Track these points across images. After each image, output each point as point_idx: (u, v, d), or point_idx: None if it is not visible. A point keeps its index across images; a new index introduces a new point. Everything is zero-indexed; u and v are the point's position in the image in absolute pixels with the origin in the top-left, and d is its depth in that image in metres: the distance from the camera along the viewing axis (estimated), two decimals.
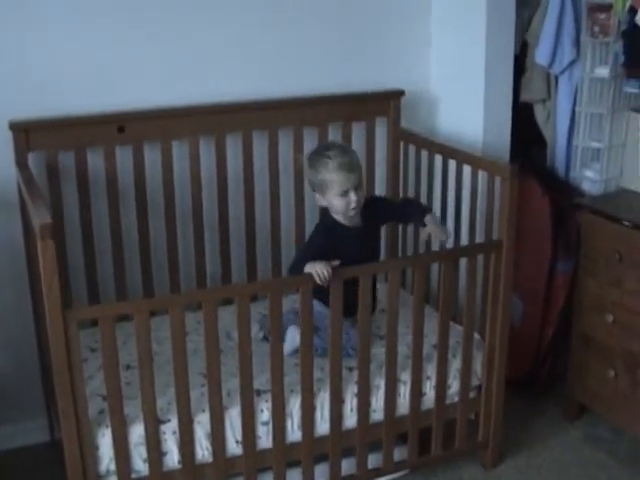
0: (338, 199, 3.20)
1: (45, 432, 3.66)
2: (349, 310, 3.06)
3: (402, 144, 3.90)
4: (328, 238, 3.23)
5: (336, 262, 2.94)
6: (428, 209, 3.39)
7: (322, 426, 3.17)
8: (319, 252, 3.01)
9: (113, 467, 2.90)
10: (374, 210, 3.36)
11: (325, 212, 3.32)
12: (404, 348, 3.28)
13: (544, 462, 3.66)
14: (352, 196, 3.17)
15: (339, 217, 3.27)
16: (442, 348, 3.27)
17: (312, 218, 3.83)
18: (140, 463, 2.95)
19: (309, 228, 3.82)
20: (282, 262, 3.84)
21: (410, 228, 3.92)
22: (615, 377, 3.61)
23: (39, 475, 3.55)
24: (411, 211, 3.39)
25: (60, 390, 2.71)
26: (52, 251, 2.55)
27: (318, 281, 2.91)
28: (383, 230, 3.93)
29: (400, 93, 3.85)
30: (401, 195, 3.95)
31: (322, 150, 3.27)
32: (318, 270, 2.90)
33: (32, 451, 3.68)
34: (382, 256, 3.85)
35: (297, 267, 3.03)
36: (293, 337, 3.22)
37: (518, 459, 3.67)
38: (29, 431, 3.71)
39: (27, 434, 3.70)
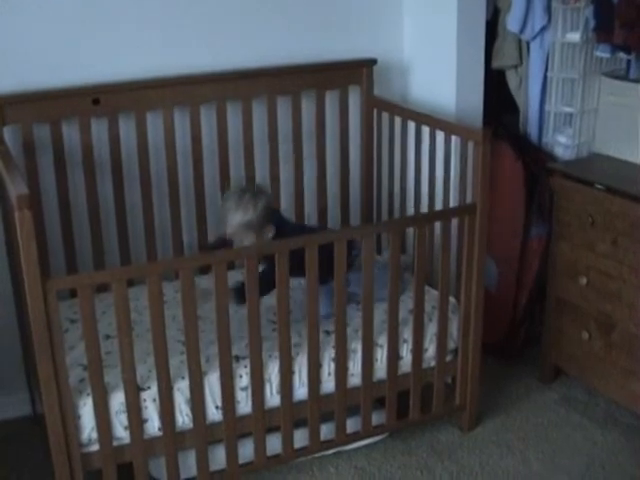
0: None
1: (27, 406, 3.68)
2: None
3: (375, 112, 3.91)
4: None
5: None
6: None
7: (300, 390, 3.20)
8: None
9: (95, 435, 2.93)
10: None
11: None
12: (381, 312, 3.32)
13: (520, 424, 3.71)
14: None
15: None
16: (418, 312, 3.31)
17: (286, 187, 3.87)
18: (121, 430, 2.97)
19: (284, 196, 3.86)
20: None
21: (384, 193, 3.96)
22: (589, 339, 3.66)
23: (21, 448, 3.57)
24: None
25: (41, 360, 2.73)
26: (30, 221, 2.56)
27: None
28: (357, 197, 3.98)
29: (372, 61, 3.86)
30: (375, 163, 3.98)
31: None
32: None
33: (13, 425, 3.70)
34: (357, 221, 3.90)
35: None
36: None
37: (495, 421, 3.73)
38: (10, 405, 3.72)
39: (8, 408, 3.72)
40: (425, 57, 3.94)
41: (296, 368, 3.17)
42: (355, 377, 3.29)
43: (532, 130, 4.09)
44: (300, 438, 3.30)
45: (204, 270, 3.49)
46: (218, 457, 3.18)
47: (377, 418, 3.45)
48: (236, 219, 3.19)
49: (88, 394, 2.90)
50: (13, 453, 3.55)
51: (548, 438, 3.62)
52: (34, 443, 3.49)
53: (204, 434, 3.08)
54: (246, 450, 3.21)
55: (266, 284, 3.05)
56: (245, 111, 3.70)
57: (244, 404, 3.12)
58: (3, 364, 3.63)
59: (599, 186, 3.51)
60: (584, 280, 3.61)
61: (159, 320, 2.86)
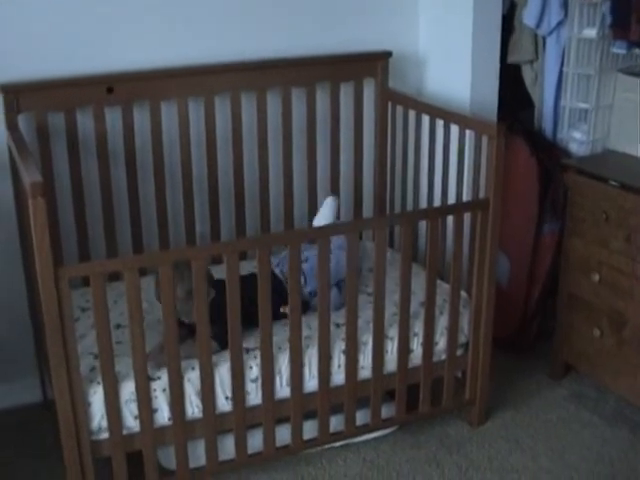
0: None
1: (37, 392, 3.69)
2: None
3: (390, 105, 3.90)
4: None
5: None
6: None
7: (310, 382, 3.21)
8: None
9: (105, 424, 2.94)
10: None
11: None
12: (391, 305, 3.31)
13: (529, 420, 3.71)
14: None
15: None
16: (429, 305, 3.31)
17: (299, 179, 3.86)
18: (131, 420, 2.98)
19: (296, 188, 3.86)
20: (270, 221, 3.87)
21: (397, 186, 3.96)
22: (601, 336, 3.65)
23: (32, 434, 3.59)
24: None
25: (52, 347, 2.74)
26: (43, 209, 2.57)
27: None
28: (370, 189, 3.97)
29: (388, 54, 3.85)
30: (389, 156, 3.98)
31: None
32: None
33: (24, 411, 3.71)
34: (370, 214, 3.90)
35: None
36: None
37: (504, 417, 3.72)
38: (21, 391, 3.73)
39: (19, 394, 3.73)
40: (440, 50, 3.93)
41: (306, 360, 3.17)
42: (365, 370, 3.29)
43: (547, 126, 4.08)
44: (309, 430, 3.30)
45: (216, 260, 3.49)
46: (227, 447, 3.19)
47: (387, 411, 3.45)
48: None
49: (99, 382, 2.91)
50: (23, 439, 3.57)
51: (557, 434, 3.61)
52: (44, 429, 3.50)
53: (214, 424, 3.08)
54: (255, 440, 3.21)
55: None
56: (259, 102, 3.70)
57: (254, 395, 3.12)
58: (15, 351, 3.64)
59: (613, 182, 3.50)
60: (596, 276, 3.60)
61: (171, 309, 2.86)
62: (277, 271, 3.35)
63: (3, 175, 3.40)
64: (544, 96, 4.08)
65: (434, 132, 3.64)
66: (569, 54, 3.87)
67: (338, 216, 3.70)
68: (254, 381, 3.10)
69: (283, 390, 3.17)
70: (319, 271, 3.05)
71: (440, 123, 3.59)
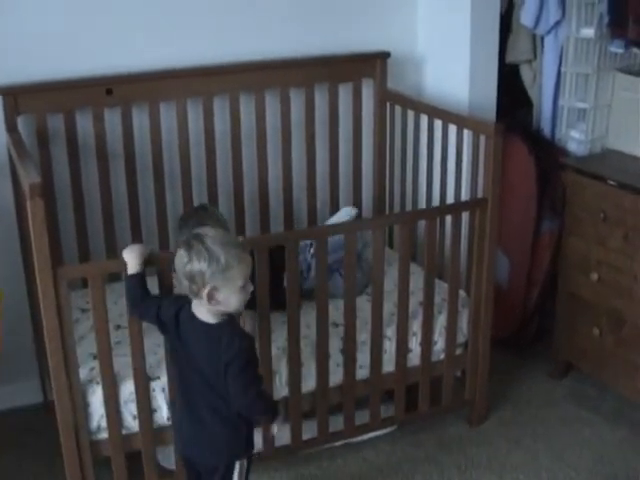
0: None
1: (38, 394, 3.69)
2: None
3: (388, 105, 3.92)
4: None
5: None
6: None
7: (309, 382, 3.21)
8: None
9: (104, 423, 2.95)
10: None
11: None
12: (390, 305, 3.32)
13: (529, 419, 3.71)
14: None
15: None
16: (427, 304, 3.31)
17: (298, 179, 3.87)
18: (130, 420, 3.00)
19: (295, 189, 3.87)
20: (270, 220, 3.88)
21: (396, 186, 3.96)
22: (600, 335, 3.65)
23: (32, 436, 3.59)
24: None
25: (51, 347, 2.75)
26: (42, 210, 2.58)
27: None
28: (369, 189, 3.98)
29: (386, 54, 3.87)
30: (387, 155, 3.99)
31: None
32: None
33: (24, 412, 3.72)
34: (369, 214, 3.91)
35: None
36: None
37: (503, 416, 3.73)
38: (22, 392, 3.74)
39: (20, 395, 3.74)
40: (439, 51, 3.94)
41: (304, 360, 3.18)
42: (364, 369, 3.30)
43: (545, 125, 4.08)
44: (309, 429, 3.31)
45: None
46: None
47: (386, 411, 3.46)
48: None
49: (98, 383, 2.92)
50: (24, 440, 3.58)
51: (557, 433, 3.61)
52: (45, 431, 3.50)
53: None
54: (255, 440, 3.21)
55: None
56: (258, 103, 3.71)
57: None
58: (15, 352, 3.64)
59: (611, 182, 3.51)
60: (595, 275, 3.60)
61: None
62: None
63: (3, 176, 3.41)
64: (542, 95, 4.09)
65: (432, 132, 3.65)
66: (567, 53, 3.88)
67: None
68: None
69: (282, 389, 3.17)
70: (317, 271, 3.05)
71: (439, 123, 3.59)
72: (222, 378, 2.54)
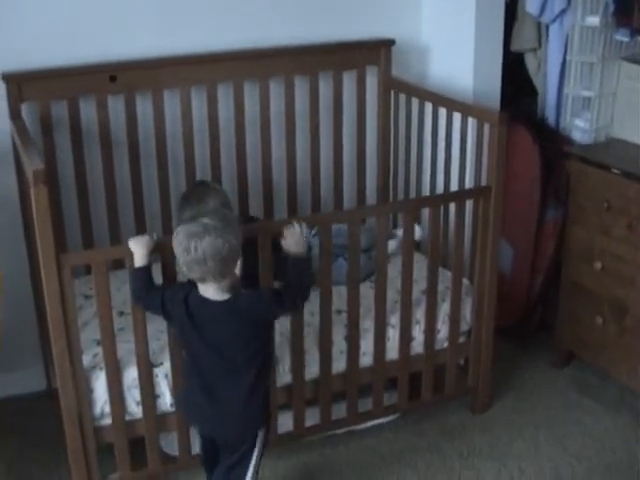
0: None
1: (42, 380, 3.71)
2: None
3: (393, 93, 3.91)
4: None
5: None
6: None
7: (312, 369, 3.21)
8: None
9: (107, 409, 2.96)
10: None
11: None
12: (393, 293, 3.32)
13: (532, 407, 3.72)
14: None
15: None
16: (431, 292, 3.31)
17: (302, 167, 3.87)
18: (134, 406, 3.00)
19: (299, 177, 3.87)
20: (273, 207, 3.88)
21: (400, 173, 3.97)
22: (603, 324, 3.66)
23: (36, 422, 3.60)
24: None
25: (55, 334, 2.76)
26: (45, 196, 2.59)
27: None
28: (374, 177, 3.98)
29: (391, 42, 3.86)
30: (392, 143, 3.99)
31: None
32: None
33: (29, 399, 3.73)
34: (373, 201, 3.92)
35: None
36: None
37: (506, 404, 3.73)
38: (26, 379, 3.75)
39: (24, 382, 3.74)
40: (443, 38, 3.93)
41: (307, 347, 3.18)
42: (367, 356, 3.30)
43: (550, 114, 4.07)
44: (311, 416, 3.31)
45: None
46: None
47: (389, 398, 3.46)
48: None
49: (101, 369, 2.93)
50: (28, 427, 3.59)
51: (559, 422, 3.62)
52: (48, 417, 3.51)
53: None
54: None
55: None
56: (262, 91, 3.71)
57: None
58: (19, 339, 3.64)
59: (616, 170, 3.50)
60: (599, 265, 3.60)
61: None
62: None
63: (7, 164, 3.41)
64: (547, 84, 4.07)
65: (437, 120, 3.65)
66: (572, 42, 3.86)
67: None
68: None
69: (285, 376, 3.18)
70: (321, 259, 3.05)
71: (443, 111, 3.59)
72: (255, 342, 2.70)
